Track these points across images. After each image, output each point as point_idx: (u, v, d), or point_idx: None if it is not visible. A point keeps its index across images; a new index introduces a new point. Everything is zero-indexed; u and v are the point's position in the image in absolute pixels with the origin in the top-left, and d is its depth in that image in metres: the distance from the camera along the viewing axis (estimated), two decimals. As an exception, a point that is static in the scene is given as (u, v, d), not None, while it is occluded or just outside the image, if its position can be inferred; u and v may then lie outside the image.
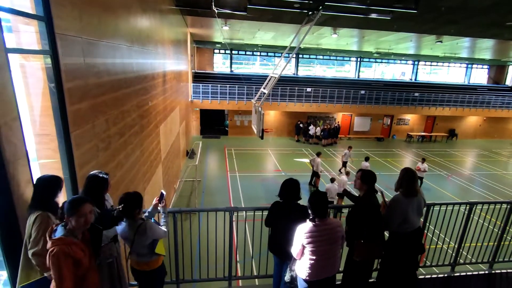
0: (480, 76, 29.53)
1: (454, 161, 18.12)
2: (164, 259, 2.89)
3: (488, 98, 23.51)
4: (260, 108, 9.99)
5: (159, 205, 2.80)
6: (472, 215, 3.78)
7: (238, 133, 22.30)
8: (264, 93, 10.52)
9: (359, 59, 26.97)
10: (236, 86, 20.28)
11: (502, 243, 3.93)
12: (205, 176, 13.32)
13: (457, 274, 3.84)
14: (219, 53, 25.66)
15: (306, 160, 16.32)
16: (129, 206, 2.50)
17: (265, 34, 16.52)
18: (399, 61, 28.04)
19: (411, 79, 28.26)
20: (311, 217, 2.50)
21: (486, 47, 18.80)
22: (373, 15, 10.09)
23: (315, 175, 12.43)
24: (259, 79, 23.34)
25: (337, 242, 2.55)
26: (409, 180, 3.00)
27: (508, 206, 3.89)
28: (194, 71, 22.69)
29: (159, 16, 7.98)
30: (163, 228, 2.72)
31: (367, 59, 27.29)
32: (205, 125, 22.64)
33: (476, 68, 28.97)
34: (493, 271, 3.94)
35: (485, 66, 28.80)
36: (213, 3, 9.87)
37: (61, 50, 2.70)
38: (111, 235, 2.55)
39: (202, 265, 3.43)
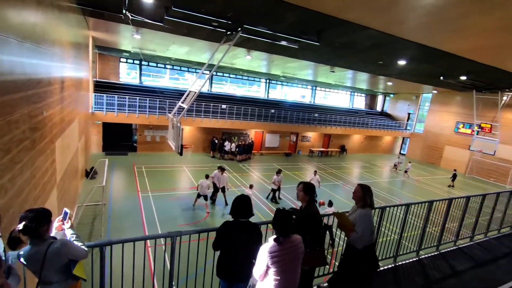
0: (359, 102, 36.38)
1: (346, 172, 21.35)
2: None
3: (366, 120, 29.20)
4: (179, 124, 9.55)
5: (63, 226, 2.32)
6: (382, 220, 4.46)
7: (149, 149, 20.62)
8: (183, 108, 10.15)
9: (268, 80, 29.34)
10: (147, 99, 18.90)
11: (404, 234, 4.78)
12: (111, 198, 11.63)
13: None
14: (126, 62, 23.57)
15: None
16: (34, 222, 1.99)
17: (180, 48, 16.14)
18: (300, 85, 31.85)
19: (310, 102, 32.41)
20: (275, 237, 2.42)
21: (363, 79, 23.44)
22: (283, 43, 11.24)
23: (217, 190, 12.14)
24: (171, 93, 22.47)
25: (299, 258, 2.51)
26: (371, 195, 3.34)
27: (404, 209, 4.79)
28: (95, 79, 20.06)
29: (57, 12, 6.77)
30: (82, 247, 2.25)
31: (274, 81, 29.94)
32: (108, 141, 19.96)
33: (357, 95, 35.62)
34: (397, 263, 4.73)
35: (363, 94, 35.77)
36: (125, 7, 9.08)
37: None
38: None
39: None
